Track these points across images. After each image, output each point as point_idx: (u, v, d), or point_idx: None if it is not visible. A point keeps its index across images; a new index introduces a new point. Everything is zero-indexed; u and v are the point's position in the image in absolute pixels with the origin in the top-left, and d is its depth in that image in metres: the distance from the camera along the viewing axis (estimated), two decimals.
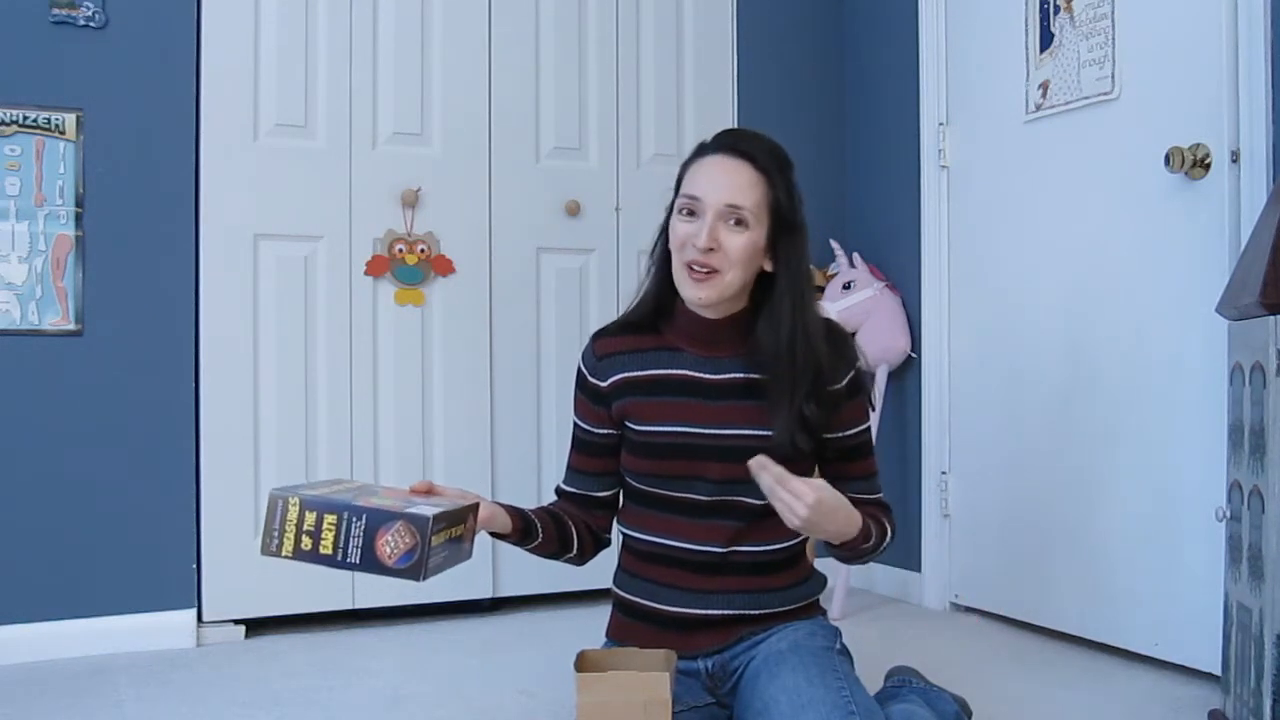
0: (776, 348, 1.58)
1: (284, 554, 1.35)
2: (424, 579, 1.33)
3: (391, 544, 1.32)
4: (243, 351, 2.54)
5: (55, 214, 2.38)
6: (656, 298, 1.68)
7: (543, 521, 1.67)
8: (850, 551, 1.57)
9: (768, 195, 1.58)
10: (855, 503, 1.67)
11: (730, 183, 1.56)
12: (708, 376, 1.64)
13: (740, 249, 1.56)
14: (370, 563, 1.33)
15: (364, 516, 1.33)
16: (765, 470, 1.41)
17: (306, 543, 1.34)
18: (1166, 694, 2.06)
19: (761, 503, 1.60)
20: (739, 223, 1.56)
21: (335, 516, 1.34)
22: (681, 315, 1.66)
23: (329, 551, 1.34)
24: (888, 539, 1.64)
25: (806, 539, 1.67)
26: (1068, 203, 2.45)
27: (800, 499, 1.39)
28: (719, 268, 1.56)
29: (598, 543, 1.77)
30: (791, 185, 1.61)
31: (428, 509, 1.35)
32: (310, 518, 1.34)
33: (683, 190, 1.61)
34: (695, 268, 1.56)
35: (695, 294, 1.58)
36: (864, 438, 1.70)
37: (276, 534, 1.35)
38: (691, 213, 1.57)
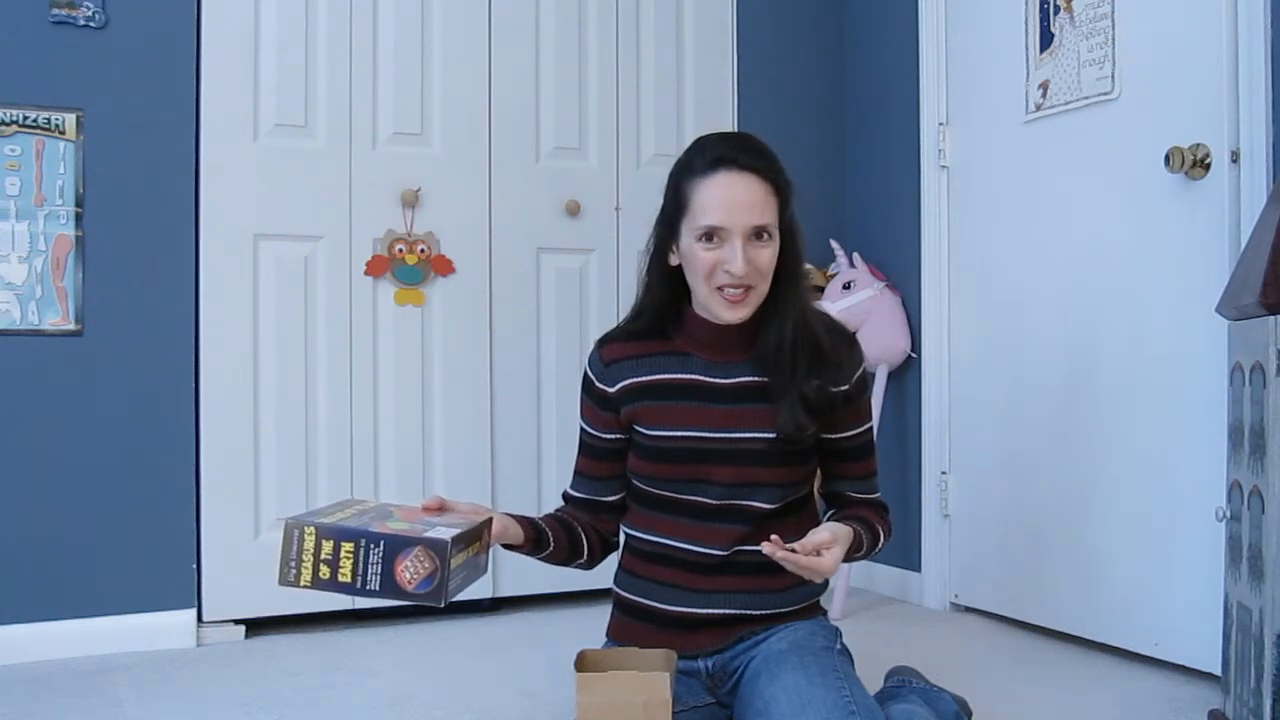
0: (781, 337, 1.59)
1: (302, 584, 1.33)
2: (445, 603, 1.32)
3: (411, 569, 1.31)
4: (243, 351, 2.54)
5: (55, 214, 2.38)
6: (661, 306, 1.67)
7: (554, 530, 1.67)
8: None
9: (779, 205, 1.58)
10: (853, 503, 1.69)
11: (750, 203, 1.54)
12: (716, 380, 1.64)
13: (769, 262, 1.57)
14: (390, 589, 1.32)
15: (381, 543, 1.32)
16: (789, 560, 1.45)
17: (325, 572, 1.32)
18: (1166, 694, 2.06)
19: (768, 506, 1.62)
20: (765, 239, 1.56)
21: (353, 544, 1.32)
22: (692, 322, 1.66)
23: (348, 580, 1.32)
24: (881, 541, 1.67)
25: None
26: (1068, 203, 2.45)
27: (819, 571, 1.47)
28: (753, 284, 1.56)
29: (606, 547, 1.77)
30: (789, 184, 1.61)
31: (445, 531, 1.34)
32: (327, 546, 1.32)
33: (698, 219, 1.55)
34: (731, 291, 1.55)
35: (735, 316, 1.57)
36: (866, 438, 1.71)
37: (294, 564, 1.33)
38: (713, 238, 1.55)
